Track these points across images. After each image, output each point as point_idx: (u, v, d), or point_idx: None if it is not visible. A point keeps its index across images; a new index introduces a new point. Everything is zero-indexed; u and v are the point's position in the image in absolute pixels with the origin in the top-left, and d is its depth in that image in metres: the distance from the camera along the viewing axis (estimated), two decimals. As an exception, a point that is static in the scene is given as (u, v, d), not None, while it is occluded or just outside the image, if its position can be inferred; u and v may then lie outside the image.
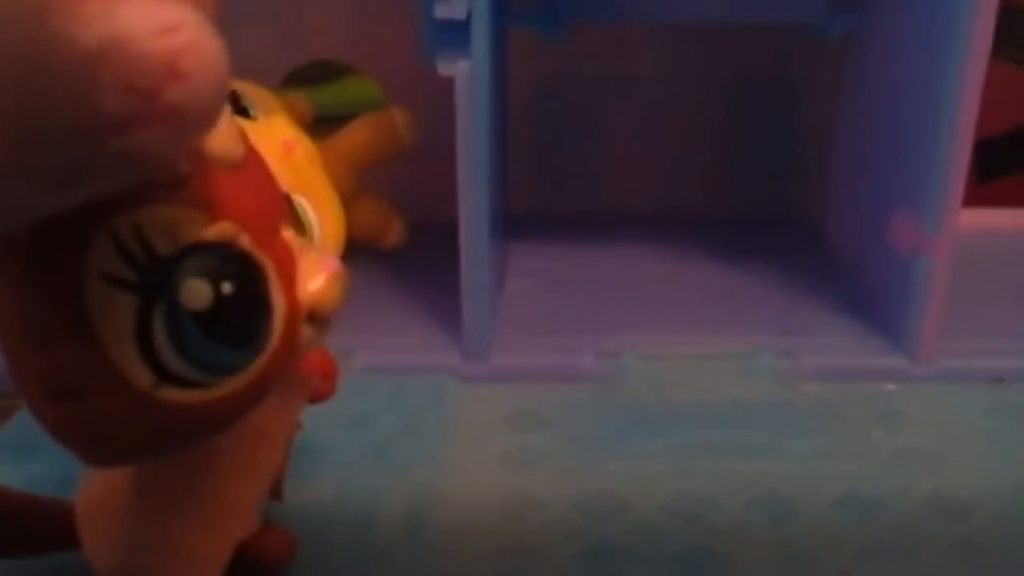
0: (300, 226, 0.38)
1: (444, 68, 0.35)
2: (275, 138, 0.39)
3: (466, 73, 0.35)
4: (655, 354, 0.39)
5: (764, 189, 0.50)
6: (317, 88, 0.47)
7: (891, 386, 0.38)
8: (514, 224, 0.48)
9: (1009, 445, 0.35)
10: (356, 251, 0.44)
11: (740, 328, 0.41)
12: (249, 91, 0.40)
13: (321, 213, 0.39)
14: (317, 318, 0.23)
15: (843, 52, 0.45)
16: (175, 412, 0.20)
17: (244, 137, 0.23)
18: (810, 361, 0.38)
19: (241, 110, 0.39)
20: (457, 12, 0.34)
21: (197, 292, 0.19)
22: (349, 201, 0.43)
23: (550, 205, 0.50)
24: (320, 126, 0.44)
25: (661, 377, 0.38)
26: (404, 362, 0.39)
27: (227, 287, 0.19)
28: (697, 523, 0.31)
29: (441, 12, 0.34)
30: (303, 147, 0.40)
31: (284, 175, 0.38)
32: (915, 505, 0.32)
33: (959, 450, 0.35)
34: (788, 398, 0.37)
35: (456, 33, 0.35)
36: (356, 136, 0.43)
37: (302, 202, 0.39)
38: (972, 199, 0.50)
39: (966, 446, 0.35)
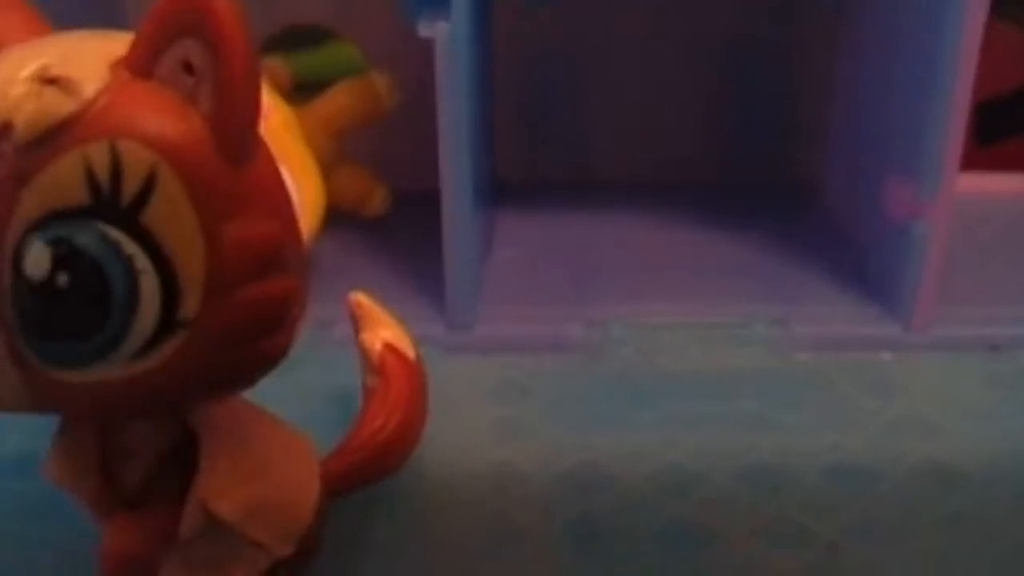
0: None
1: (424, 30, 0.34)
2: (252, 104, 0.38)
3: (446, 35, 0.34)
4: (644, 323, 0.38)
5: (761, 154, 0.49)
6: (297, 53, 0.46)
7: (886, 355, 0.37)
8: (503, 191, 0.47)
9: (1004, 414, 0.34)
10: (339, 219, 0.44)
11: (732, 296, 0.40)
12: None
13: (298, 181, 0.38)
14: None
15: (840, 13, 0.44)
16: (60, 388, 0.20)
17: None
18: (803, 330, 0.38)
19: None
20: (437, -28, 0.33)
21: (35, 259, 0.19)
22: (330, 168, 0.42)
23: (541, 172, 0.49)
24: (300, 92, 0.43)
25: (650, 347, 0.37)
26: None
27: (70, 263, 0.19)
28: (685, 496, 0.30)
29: (421, -28, 0.33)
30: (278, 114, 0.39)
31: (262, 142, 0.37)
32: (908, 476, 0.31)
33: (954, 419, 0.34)
34: (780, 367, 0.36)
35: (439, -6, 0.34)
36: (336, 101, 0.42)
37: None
38: (973, 162, 0.49)
39: (961, 415, 0.34)
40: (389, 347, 0.30)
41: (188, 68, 0.20)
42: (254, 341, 0.21)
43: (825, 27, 0.46)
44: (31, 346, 0.20)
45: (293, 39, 0.46)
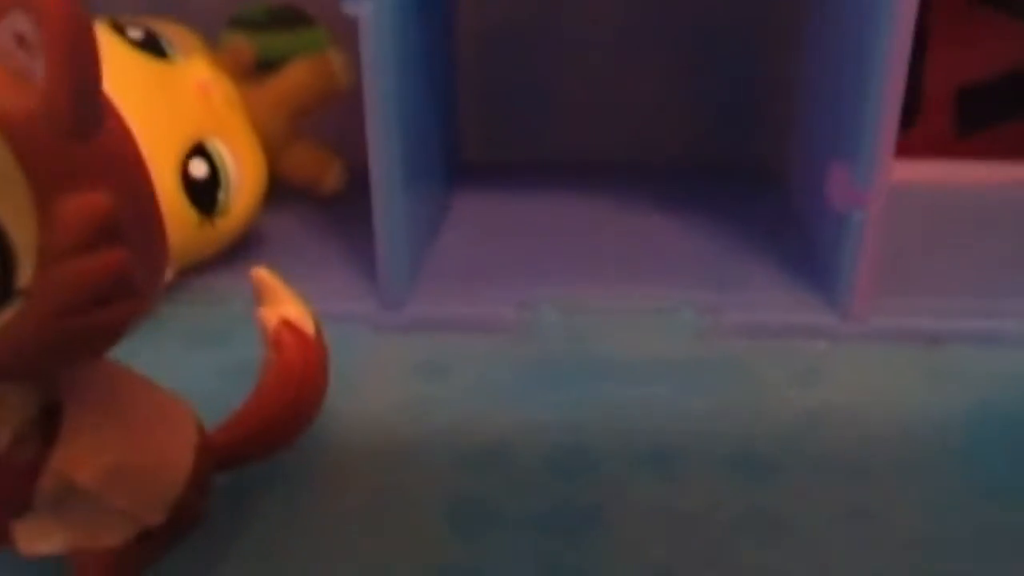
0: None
1: (348, 8, 0.34)
2: (190, 80, 0.39)
3: (368, 14, 0.34)
4: (576, 306, 0.38)
5: (724, 139, 0.48)
6: (261, 31, 0.46)
7: (820, 345, 0.36)
8: (465, 172, 0.47)
9: (933, 410, 0.33)
10: (292, 196, 0.44)
11: (672, 281, 0.39)
12: (170, 31, 0.40)
13: (240, 157, 0.39)
14: None
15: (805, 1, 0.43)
16: None
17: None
18: (736, 317, 0.37)
19: (159, 50, 0.38)
20: (359, -50, 0.33)
21: None
22: (284, 145, 0.42)
23: (502, 154, 0.49)
24: (266, 71, 0.43)
25: (579, 330, 0.37)
26: (316, 309, 0.37)
27: None
28: (576, 478, 0.30)
29: (345, -49, 0.33)
30: (221, 90, 0.39)
31: (200, 117, 0.38)
32: (807, 468, 0.30)
33: (878, 413, 0.33)
34: (706, 355, 0.36)
35: (364, -28, 0.34)
36: (291, 79, 0.42)
37: (218, 145, 0.38)
38: (953, 150, 0.48)
39: (886, 409, 0.33)
40: (285, 322, 0.30)
41: (22, 42, 0.21)
42: (91, 311, 0.22)
43: (790, 14, 0.45)
44: None
45: (259, 17, 0.47)
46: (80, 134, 0.21)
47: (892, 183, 0.35)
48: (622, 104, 0.48)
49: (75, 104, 0.20)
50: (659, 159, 0.48)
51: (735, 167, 0.47)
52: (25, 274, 0.21)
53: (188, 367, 0.36)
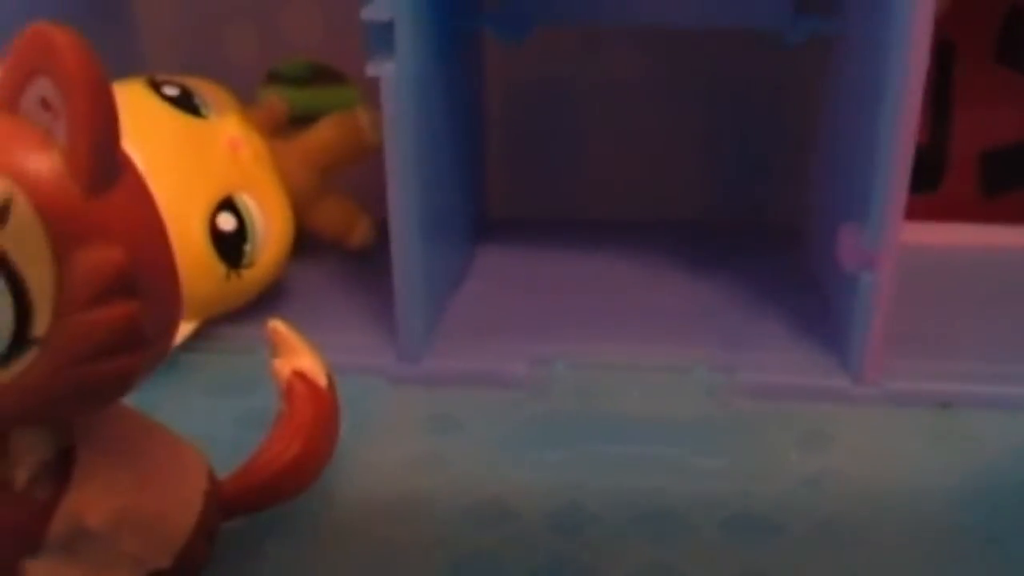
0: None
1: (372, 69, 0.35)
2: (221, 136, 0.40)
3: (391, 75, 0.35)
4: (589, 364, 0.38)
5: (744, 196, 0.49)
6: (294, 88, 0.48)
7: (828, 408, 0.36)
8: (489, 228, 0.48)
9: (940, 477, 0.33)
10: (321, 250, 0.45)
11: (684, 340, 0.40)
12: (204, 89, 0.41)
13: (267, 211, 0.40)
14: None
15: (818, 56, 0.43)
16: None
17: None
18: (747, 377, 0.37)
19: (192, 108, 0.40)
20: (381, 14, 0.34)
21: None
22: (314, 200, 0.44)
23: (529, 210, 0.50)
24: (299, 126, 0.45)
25: (591, 388, 0.38)
26: (336, 360, 0.38)
27: None
28: (575, 535, 0.30)
29: (367, 14, 0.34)
30: (251, 146, 0.41)
31: (229, 173, 0.39)
32: (807, 532, 0.31)
33: (881, 477, 0.33)
34: (715, 415, 0.36)
35: (385, 34, 0.35)
36: (321, 135, 0.44)
37: (246, 200, 0.39)
38: (977, 213, 0.48)
39: (891, 474, 0.33)
40: (298, 374, 0.31)
41: (48, 104, 0.22)
42: (103, 360, 0.23)
43: (807, 68, 0.45)
44: None
45: (293, 73, 0.48)
46: (98, 190, 0.22)
47: (912, 245, 0.35)
48: (642, 163, 0.49)
49: (94, 162, 0.22)
50: (677, 217, 0.49)
51: (754, 226, 0.48)
52: (41, 323, 0.22)
53: (211, 415, 0.37)
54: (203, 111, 0.40)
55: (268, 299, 0.42)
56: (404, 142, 0.36)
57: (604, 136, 0.49)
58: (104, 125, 0.22)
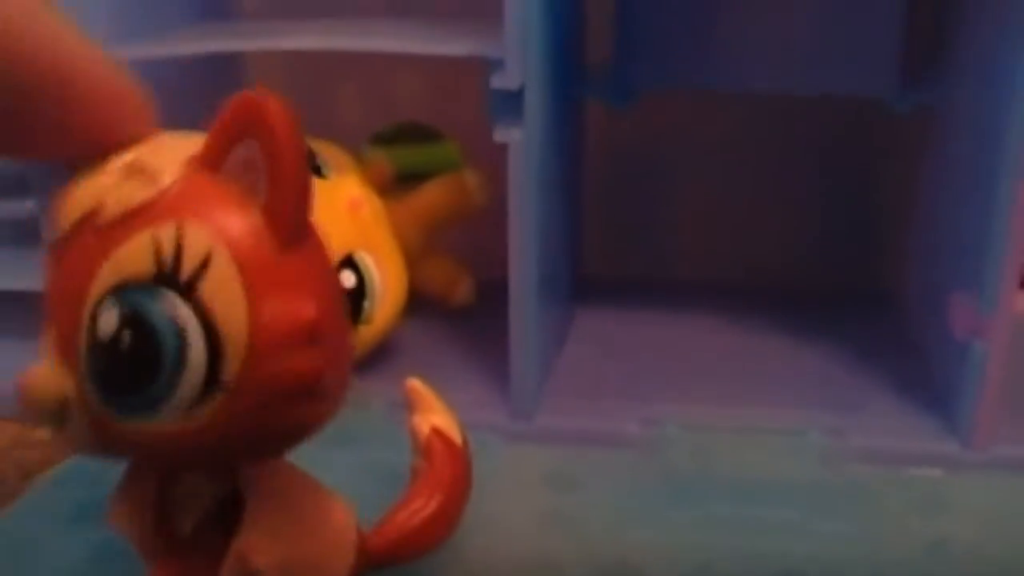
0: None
1: (499, 135, 0.36)
2: (343, 196, 0.41)
3: (519, 141, 0.36)
4: (701, 425, 0.39)
5: (842, 261, 0.50)
6: (400, 149, 0.49)
7: (939, 472, 0.37)
8: (586, 288, 0.49)
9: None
10: (425, 307, 0.46)
11: (792, 404, 0.40)
12: (324, 150, 0.42)
13: (384, 269, 0.41)
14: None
15: (919, 124, 0.44)
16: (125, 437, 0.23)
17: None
18: (859, 441, 0.38)
19: (315, 168, 0.41)
20: (511, 82, 0.36)
21: (106, 320, 0.22)
22: (418, 258, 0.45)
23: (624, 271, 0.51)
24: (401, 185, 0.46)
25: (703, 449, 0.38)
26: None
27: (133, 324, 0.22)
28: (709, 598, 0.31)
29: (496, 82, 0.36)
30: (370, 205, 0.42)
31: (350, 231, 0.41)
32: (938, 598, 0.31)
33: (1001, 544, 0.33)
34: (830, 478, 0.37)
35: (513, 102, 0.36)
36: (429, 196, 0.45)
37: (365, 257, 0.40)
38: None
39: (1010, 540, 0.34)
40: (436, 431, 0.32)
41: (250, 165, 0.23)
42: (287, 407, 0.24)
43: (910, 136, 0.46)
44: (97, 395, 0.22)
45: (399, 135, 0.50)
46: (290, 246, 0.23)
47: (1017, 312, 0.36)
48: (741, 225, 0.50)
49: (292, 219, 0.23)
50: (771, 281, 0.50)
51: (853, 291, 0.48)
52: (231, 369, 0.23)
53: (326, 466, 0.38)
54: (323, 172, 0.41)
55: (381, 355, 0.43)
56: (527, 205, 0.37)
57: (699, 201, 0.50)
58: (304, 185, 0.23)
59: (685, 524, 0.34)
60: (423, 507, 0.31)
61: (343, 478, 0.36)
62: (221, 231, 0.22)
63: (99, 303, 0.22)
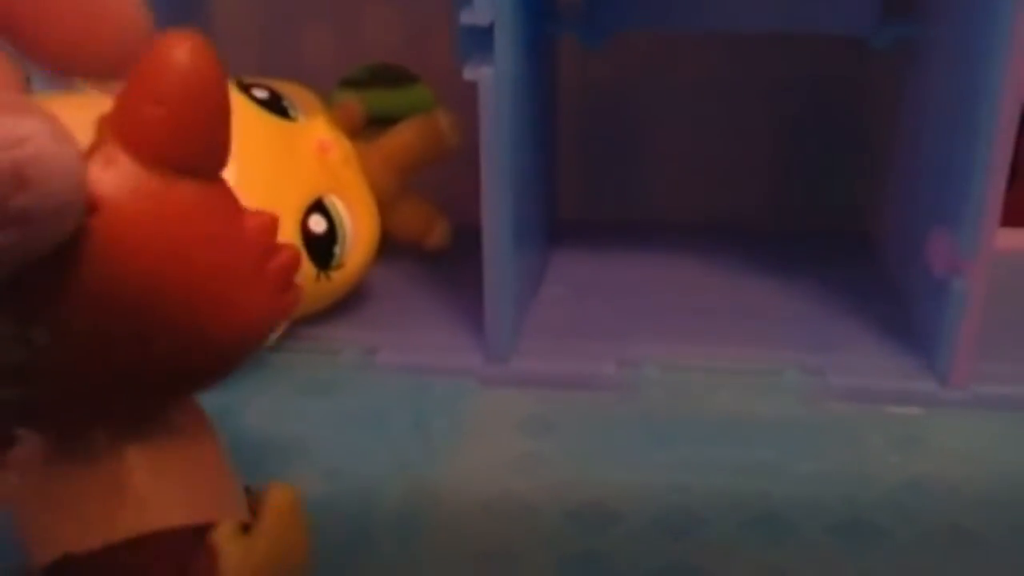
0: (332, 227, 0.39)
1: (469, 73, 0.35)
2: (311, 138, 0.40)
3: (489, 79, 0.35)
4: (678, 365, 0.39)
5: (819, 201, 0.49)
6: (371, 91, 0.48)
7: (918, 411, 0.37)
8: (561, 230, 0.48)
9: (1037, 479, 0.34)
10: (399, 251, 0.45)
11: (770, 343, 0.40)
12: (291, 92, 0.41)
13: (355, 212, 0.40)
14: None
15: (899, 62, 0.44)
16: None
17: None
18: (837, 380, 0.37)
19: (281, 110, 0.40)
20: (481, 18, 0.35)
21: None
22: (392, 202, 0.44)
23: (599, 213, 0.50)
24: (373, 128, 0.45)
25: (681, 389, 0.38)
26: (425, 362, 0.39)
27: None
28: (685, 539, 0.31)
29: (466, 18, 0.35)
30: (340, 148, 0.41)
31: (319, 175, 0.40)
32: (917, 537, 0.31)
33: (979, 481, 0.33)
34: (808, 417, 0.36)
35: (482, 38, 0.35)
36: (401, 138, 0.44)
37: (336, 202, 0.40)
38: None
39: (988, 477, 0.34)
40: None
41: None
42: None
43: (886, 75, 0.46)
44: None
45: (370, 77, 0.49)
46: None
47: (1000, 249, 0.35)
48: (718, 166, 0.49)
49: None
50: (748, 220, 0.49)
51: (832, 231, 0.48)
52: None
53: (299, 413, 0.37)
54: (291, 114, 0.40)
55: (353, 301, 0.42)
56: (499, 146, 0.36)
57: (675, 141, 0.49)
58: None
59: (662, 465, 0.34)
60: None
61: (312, 425, 0.36)
62: None
63: None
